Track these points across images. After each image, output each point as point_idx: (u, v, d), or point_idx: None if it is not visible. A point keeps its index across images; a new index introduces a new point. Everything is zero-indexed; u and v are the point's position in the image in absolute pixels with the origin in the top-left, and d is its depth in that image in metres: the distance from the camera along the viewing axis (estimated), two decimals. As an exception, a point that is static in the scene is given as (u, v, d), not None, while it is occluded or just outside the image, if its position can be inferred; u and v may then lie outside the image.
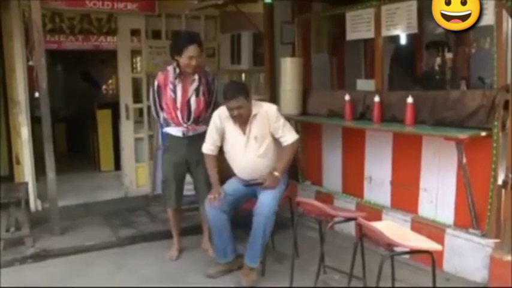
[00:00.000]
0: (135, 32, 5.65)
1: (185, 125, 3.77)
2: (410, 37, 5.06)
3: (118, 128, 6.00)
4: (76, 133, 8.28)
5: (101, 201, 5.50)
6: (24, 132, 5.00)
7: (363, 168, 4.41)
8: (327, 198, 4.49)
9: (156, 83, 3.79)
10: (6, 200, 4.05)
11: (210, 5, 4.91)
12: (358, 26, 4.25)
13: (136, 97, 5.77)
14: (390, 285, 3.03)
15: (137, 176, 5.77)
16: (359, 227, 2.96)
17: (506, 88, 3.15)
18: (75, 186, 5.97)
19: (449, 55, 5.28)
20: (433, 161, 3.79)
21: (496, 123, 3.24)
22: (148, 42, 5.62)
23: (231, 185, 3.63)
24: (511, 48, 3.16)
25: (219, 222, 3.54)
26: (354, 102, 4.26)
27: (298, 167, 4.99)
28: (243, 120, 3.49)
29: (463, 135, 3.28)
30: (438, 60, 5.21)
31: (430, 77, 5.18)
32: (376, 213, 4.00)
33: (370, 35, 4.17)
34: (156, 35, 5.75)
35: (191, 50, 3.61)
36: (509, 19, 3.11)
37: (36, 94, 4.71)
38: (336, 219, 3.23)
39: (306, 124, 4.93)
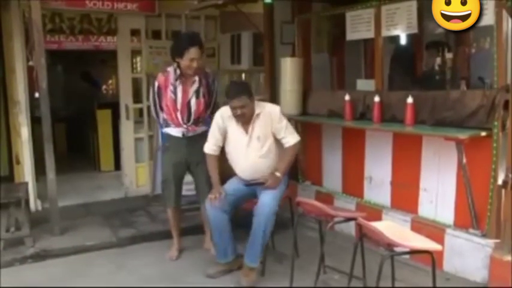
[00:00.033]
0: (135, 32, 5.65)
1: (185, 126, 3.77)
2: (410, 37, 5.06)
3: (118, 128, 6.00)
4: (76, 133, 8.27)
5: (100, 201, 5.50)
6: (24, 132, 5.00)
7: (363, 168, 4.41)
8: (327, 198, 4.49)
9: (156, 84, 3.79)
10: (6, 200, 4.05)
11: (210, 5, 4.91)
12: (358, 26, 4.25)
13: (136, 97, 5.77)
14: (390, 285, 3.03)
15: (137, 176, 5.77)
16: (359, 227, 2.95)
17: (506, 88, 3.15)
18: (75, 186, 5.96)
19: (449, 55, 5.28)
20: (433, 161, 3.78)
21: (496, 123, 3.24)
22: (148, 42, 5.62)
23: (231, 185, 3.63)
24: (511, 48, 3.16)
25: (220, 222, 3.54)
26: (354, 102, 4.26)
27: (298, 167, 4.99)
28: (245, 119, 3.49)
29: (463, 135, 3.28)
30: (438, 60, 5.20)
31: (430, 77, 5.17)
32: (376, 213, 4.00)
33: (370, 35, 4.17)
34: (156, 35, 5.75)
35: (192, 52, 3.61)
36: (509, 19, 3.11)
37: (36, 94, 4.70)
38: (336, 219, 3.23)
39: (306, 124, 4.93)
